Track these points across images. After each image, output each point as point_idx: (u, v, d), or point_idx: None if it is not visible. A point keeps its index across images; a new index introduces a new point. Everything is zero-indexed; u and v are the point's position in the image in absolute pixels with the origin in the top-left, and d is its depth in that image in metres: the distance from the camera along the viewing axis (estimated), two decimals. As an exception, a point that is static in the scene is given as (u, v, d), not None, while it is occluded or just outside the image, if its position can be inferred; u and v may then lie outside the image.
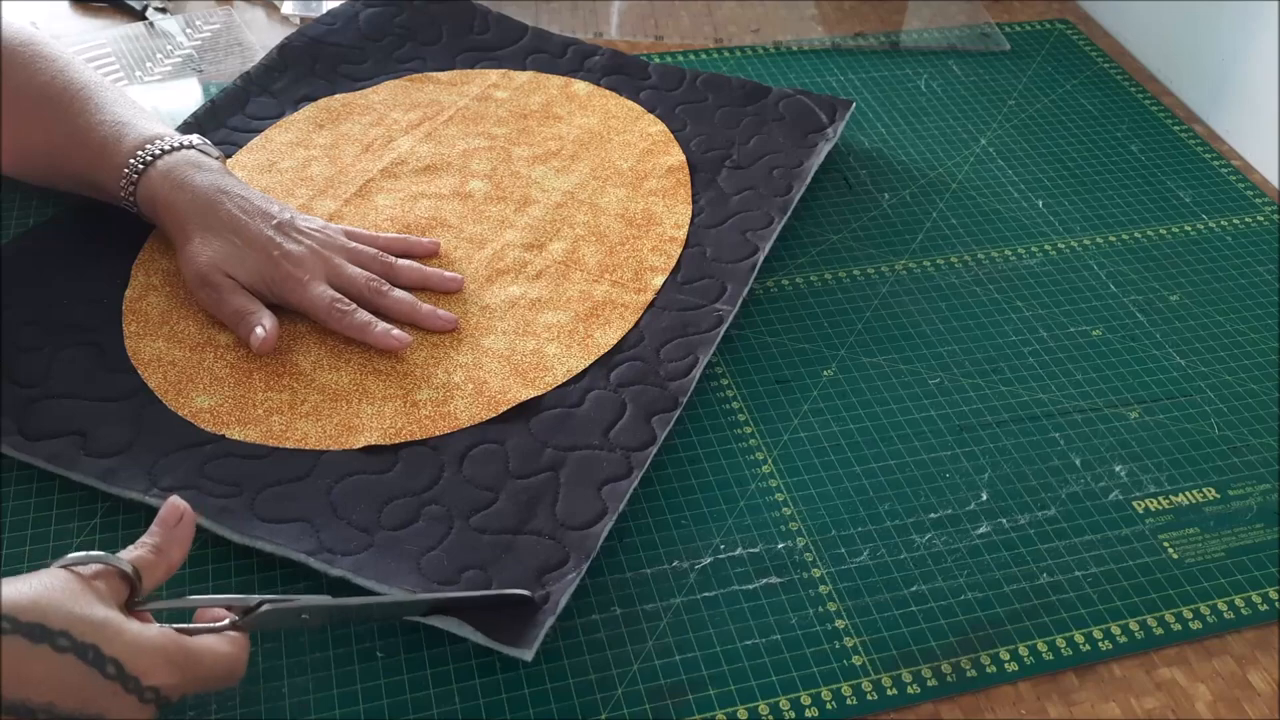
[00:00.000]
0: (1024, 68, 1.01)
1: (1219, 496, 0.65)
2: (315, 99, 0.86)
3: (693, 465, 0.64)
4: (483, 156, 0.82)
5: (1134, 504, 0.64)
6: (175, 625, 0.49)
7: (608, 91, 0.89)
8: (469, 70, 0.91)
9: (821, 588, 0.59)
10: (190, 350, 0.66)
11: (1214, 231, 0.84)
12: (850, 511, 0.63)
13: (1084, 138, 0.93)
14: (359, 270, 0.69)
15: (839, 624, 0.57)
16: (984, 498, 0.64)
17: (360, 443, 0.62)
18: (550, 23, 1.00)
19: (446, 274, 0.72)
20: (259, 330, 0.65)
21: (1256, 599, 0.60)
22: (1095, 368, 0.72)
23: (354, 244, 0.71)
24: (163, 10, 0.97)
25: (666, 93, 0.90)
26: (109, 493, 0.59)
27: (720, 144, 0.85)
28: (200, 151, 0.70)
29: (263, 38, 0.95)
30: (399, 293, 0.69)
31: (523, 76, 0.90)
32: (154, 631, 0.46)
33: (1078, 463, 0.66)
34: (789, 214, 0.79)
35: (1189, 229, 0.85)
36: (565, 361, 0.67)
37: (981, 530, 0.62)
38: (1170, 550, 0.62)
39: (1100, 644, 0.58)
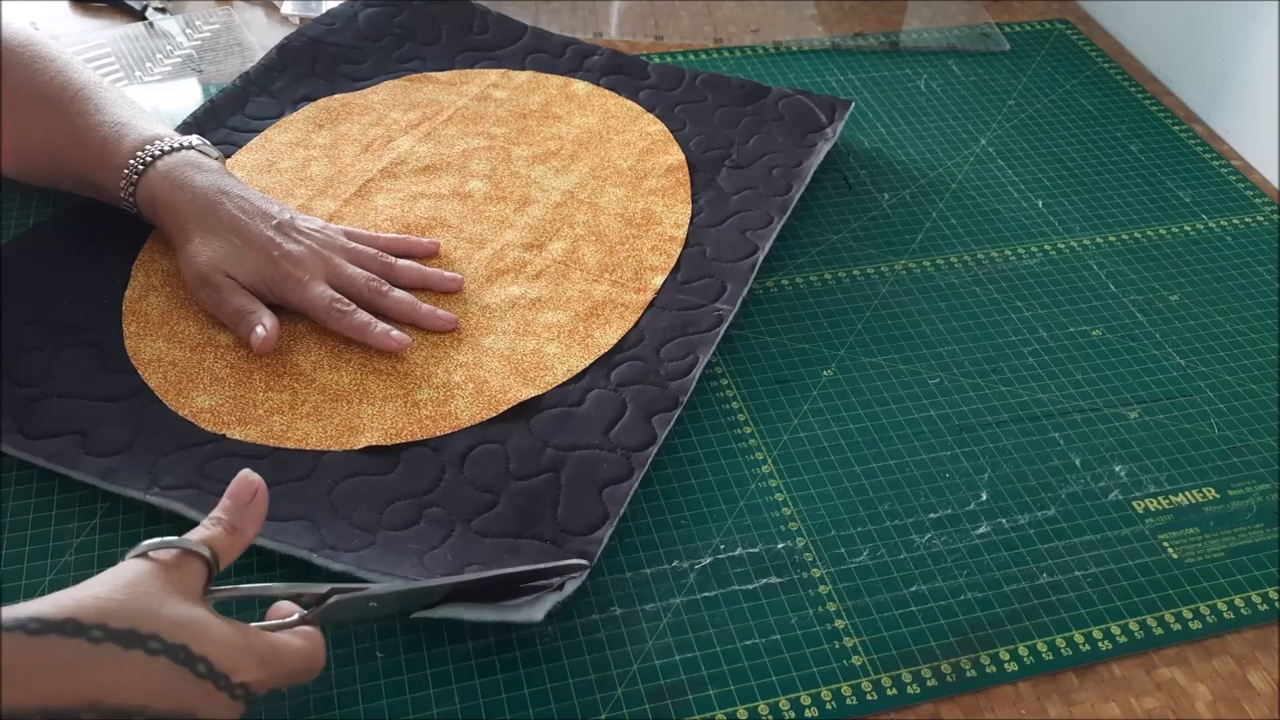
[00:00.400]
0: (1024, 68, 1.01)
1: (1219, 496, 0.65)
2: (315, 99, 0.86)
3: (693, 465, 0.64)
4: (482, 156, 0.82)
5: (1134, 504, 0.64)
6: (254, 624, 0.48)
7: (607, 91, 0.89)
8: (468, 70, 0.91)
9: (821, 588, 0.59)
10: (190, 350, 0.66)
11: (1214, 231, 0.84)
12: (850, 511, 0.63)
13: (1084, 138, 0.93)
14: (359, 270, 0.69)
15: (839, 624, 0.57)
16: (984, 498, 0.64)
17: (361, 443, 0.62)
18: (550, 23, 1.00)
19: (446, 274, 0.72)
20: (259, 330, 0.65)
21: (1256, 599, 0.60)
22: (1095, 368, 0.72)
23: (354, 244, 0.71)
24: (162, 10, 0.97)
25: (666, 92, 0.90)
26: (109, 492, 0.59)
27: (720, 144, 0.85)
28: (200, 152, 0.70)
29: (262, 38, 0.95)
30: (399, 293, 0.69)
31: (522, 76, 0.90)
32: (239, 628, 0.46)
33: (1078, 463, 0.66)
34: (789, 214, 0.79)
35: (1189, 229, 0.85)
36: (565, 361, 0.67)
37: (981, 530, 0.62)
38: (1170, 550, 0.62)
39: (1100, 644, 0.58)
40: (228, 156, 0.79)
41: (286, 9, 0.99)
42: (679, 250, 0.76)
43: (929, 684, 0.55)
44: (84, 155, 0.70)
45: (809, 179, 0.83)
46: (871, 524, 0.62)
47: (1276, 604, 0.60)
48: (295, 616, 0.49)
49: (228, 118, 0.83)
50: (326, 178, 0.79)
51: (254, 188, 0.71)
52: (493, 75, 0.90)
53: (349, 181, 0.79)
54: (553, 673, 0.54)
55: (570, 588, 0.55)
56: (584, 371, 0.67)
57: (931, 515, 0.63)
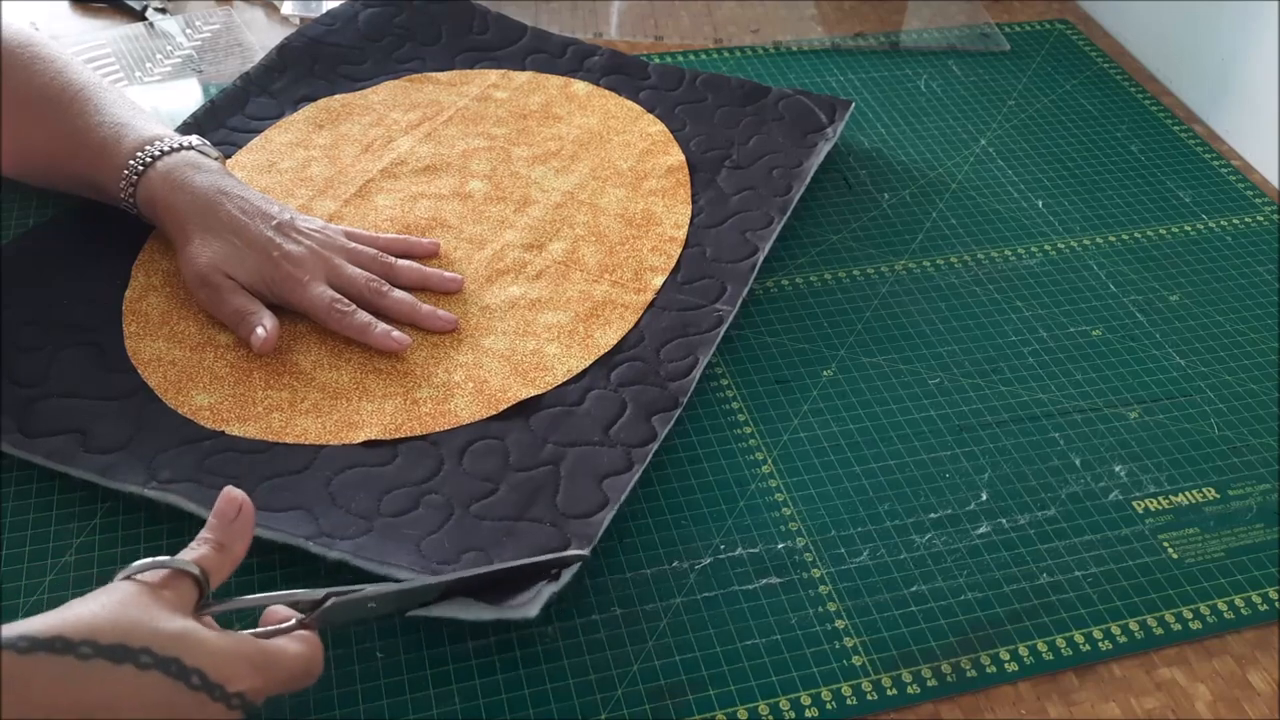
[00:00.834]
0: (1024, 68, 1.01)
1: (1219, 496, 0.65)
2: (315, 99, 0.86)
3: (693, 465, 0.64)
4: (482, 157, 0.82)
5: (1134, 504, 0.64)
6: (248, 631, 0.48)
7: (607, 92, 0.89)
8: (468, 70, 0.91)
9: (821, 588, 0.59)
10: (190, 350, 0.66)
11: (1214, 231, 0.84)
12: (850, 511, 0.63)
13: (1084, 138, 0.93)
14: (359, 271, 0.69)
15: (839, 624, 0.57)
16: (984, 498, 0.64)
17: (360, 438, 0.62)
18: (550, 23, 1.00)
19: (446, 274, 0.72)
20: (259, 330, 0.65)
21: (1256, 599, 0.60)
22: (1095, 368, 0.72)
23: (354, 244, 0.71)
24: (162, 10, 0.97)
25: (666, 93, 0.90)
26: (108, 488, 0.59)
27: (720, 144, 0.85)
28: (199, 152, 0.70)
29: (262, 38, 0.95)
30: (399, 293, 0.69)
31: (522, 77, 0.90)
32: (232, 637, 0.46)
33: (1078, 463, 0.66)
34: (789, 214, 0.79)
35: (1189, 229, 0.85)
36: (565, 361, 0.68)
37: (981, 530, 0.62)
38: (1170, 550, 0.62)
39: (1100, 644, 0.58)
40: (228, 157, 0.79)
41: (286, 9, 0.99)
42: (679, 251, 0.76)
43: (929, 684, 0.55)
44: (84, 156, 0.70)
45: (809, 179, 0.83)
46: (871, 524, 0.62)
47: (1276, 604, 0.60)
48: (292, 621, 0.49)
49: (228, 118, 0.83)
50: (326, 178, 0.79)
51: (254, 188, 0.71)
52: (493, 75, 0.90)
53: (349, 182, 0.79)
54: (553, 673, 0.54)
55: (566, 577, 0.55)
56: (584, 372, 0.67)
57: (931, 515, 0.63)
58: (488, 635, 0.55)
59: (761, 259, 0.75)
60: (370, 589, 0.51)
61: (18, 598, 0.55)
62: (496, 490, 0.60)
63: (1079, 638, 0.58)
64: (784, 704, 0.54)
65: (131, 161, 0.68)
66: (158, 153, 0.69)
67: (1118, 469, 0.66)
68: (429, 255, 0.74)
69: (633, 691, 0.54)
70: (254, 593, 0.55)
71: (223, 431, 0.62)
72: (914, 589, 0.59)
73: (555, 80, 0.90)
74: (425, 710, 0.53)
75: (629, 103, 0.88)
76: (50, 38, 0.74)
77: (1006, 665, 0.56)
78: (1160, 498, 0.65)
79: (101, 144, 0.69)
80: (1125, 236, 0.83)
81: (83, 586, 0.56)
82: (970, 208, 0.85)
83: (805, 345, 0.72)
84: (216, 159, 0.71)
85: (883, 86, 0.97)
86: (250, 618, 0.52)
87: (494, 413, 0.64)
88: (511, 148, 0.83)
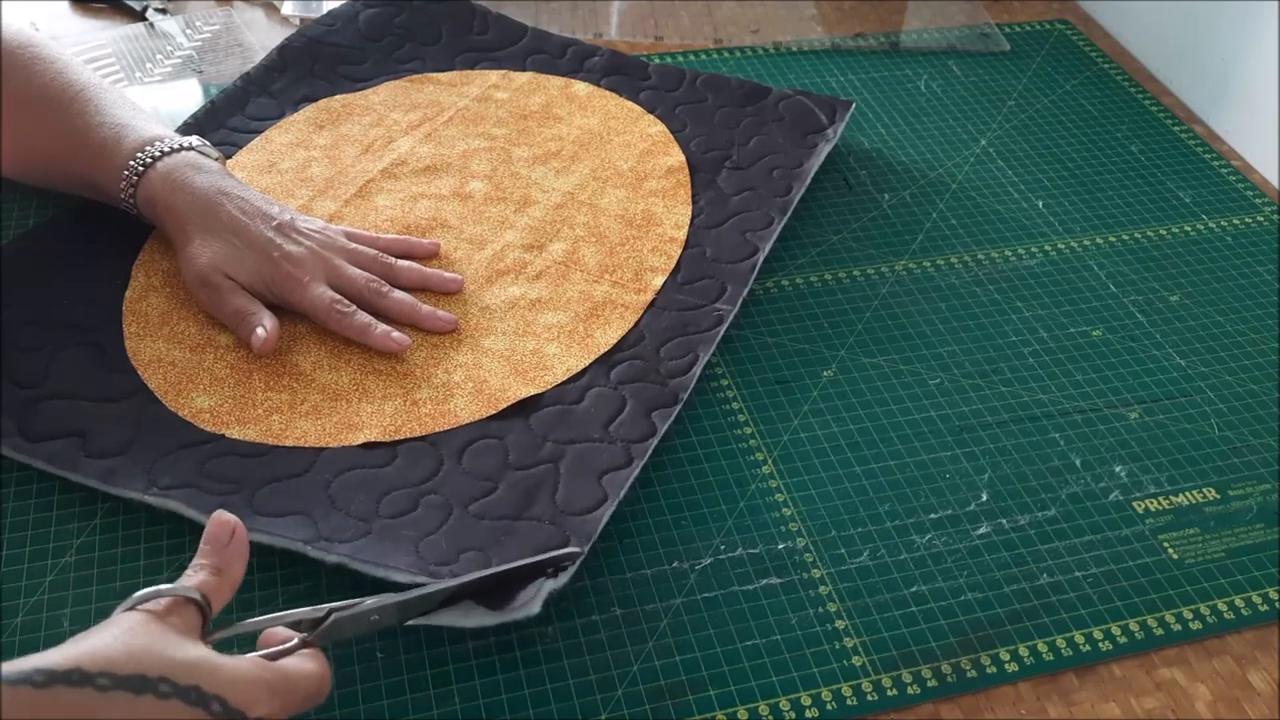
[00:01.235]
0: (1024, 68, 1.01)
1: (1219, 496, 0.65)
2: (315, 100, 0.86)
3: (693, 465, 0.64)
4: (483, 157, 0.82)
5: (1134, 504, 0.64)
6: (254, 654, 0.48)
7: (607, 92, 0.89)
8: (469, 71, 0.91)
9: (821, 588, 0.59)
10: (190, 351, 0.66)
11: (1214, 231, 0.84)
12: (850, 512, 0.63)
13: (1084, 138, 0.93)
14: (359, 271, 0.69)
15: (839, 624, 0.57)
16: (984, 498, 0.64)
17: (359, 439, 0.62)
18: (550, 23, 1.00)
19: (446, 275, 0.72)
20: (260, 331, 0.65)
21: (1256, 599, 0.60)
22: (1095, 368, 0.72)
23: (354, 245, 0.71)
24: (163, 11, 0.97)
25: (666, 93, 0.90)
26: (109, 493, 0.59)
27: (720, 144, 0.85)
28: (200, 153, 0.70)
29: (263, 38, 0.95)
30: (399, 294, 0.69)
31: (522, 77, 0.90)
32: (248, 661, 0.46)
33: (1078, 463, 0.66)
34: (789, 214, 0.79)
35: (1189, 229, 0.85)
36: (565, 361, 0.68)
37: (981, 531, 0.62)
38: (1170, 550, 0.62)
39: (1100, 644, 0.58)
40: (228, 157, 0.79)
41: (287, 9, 0.99)
42: (679, 251, 0.76)
43: (929, 684, 0.55)
44: (84, 156, 0.70)
45: (809, 179, 0.83)
46: (872, 524, 0.62)
47: (1276, 604, 0.60)
48: (295, 641, 0.49)
49: (228, 118, 0.83)
50: (327, 178, 0.79)
51: (254, 188, 0.71)
52: (493, 76, 0.90)
53: (349, 182, 0.79)
54: (553, 673, 0.54)
55: (566, 576, 0.55)
56: (584, 371, 0.67)
57: (932, 516, 0.63)
58: (488, 635, 0.55)
59: (762, 259, 0.75)
60: (371, 601, 0.50)
61: (18, 598, 0.56)
62: (495, 489, 0.60)
63: (1079, 638, 0.58)
64: (784, 704, 0.54)
65: (132, 162, 0.68)
66: (158, 153, 0.69)
67: (1118, 469, 0.66)
68: (429, 256, 0.74)
69: (633, 691, 0.54)
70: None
71: (223, 435, 0.62)
72: (914, 589, 0.59)
73: (556, 81, 0.90)
74: (425, 710, 0.53)
75: (629, 103, 0.88)
76: (50, 38, 0.74)
77: (1006, 665, 0.56)
78: (1160, 498, 0.65)
79: (101, 144, 0.69)
80: (1125, 237, 0.83)
81: (83, 587, 0.56)
82: (970, 208, 0.85)
83: (805, 345, 0.72)
84: (217, 159, 0.71)
85: (883, 87, 0.97)
86: (251, 643, 0.51)
87: (493, 412, 0.64)
88: (512, 148, 0.83)
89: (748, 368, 0.70)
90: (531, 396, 0.65)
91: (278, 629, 0.49)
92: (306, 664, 0.48)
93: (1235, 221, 0.86)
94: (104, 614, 0.54)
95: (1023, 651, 0.57)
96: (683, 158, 0.83)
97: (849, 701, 0.54)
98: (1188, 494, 0.65)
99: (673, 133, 0.86)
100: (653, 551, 0.60)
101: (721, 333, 0.70)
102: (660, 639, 0.56)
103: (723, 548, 0.60)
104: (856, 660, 0.56)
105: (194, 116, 0.82)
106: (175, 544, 0.58)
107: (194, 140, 0.71)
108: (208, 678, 0.43)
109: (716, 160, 0.84)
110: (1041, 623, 0.58)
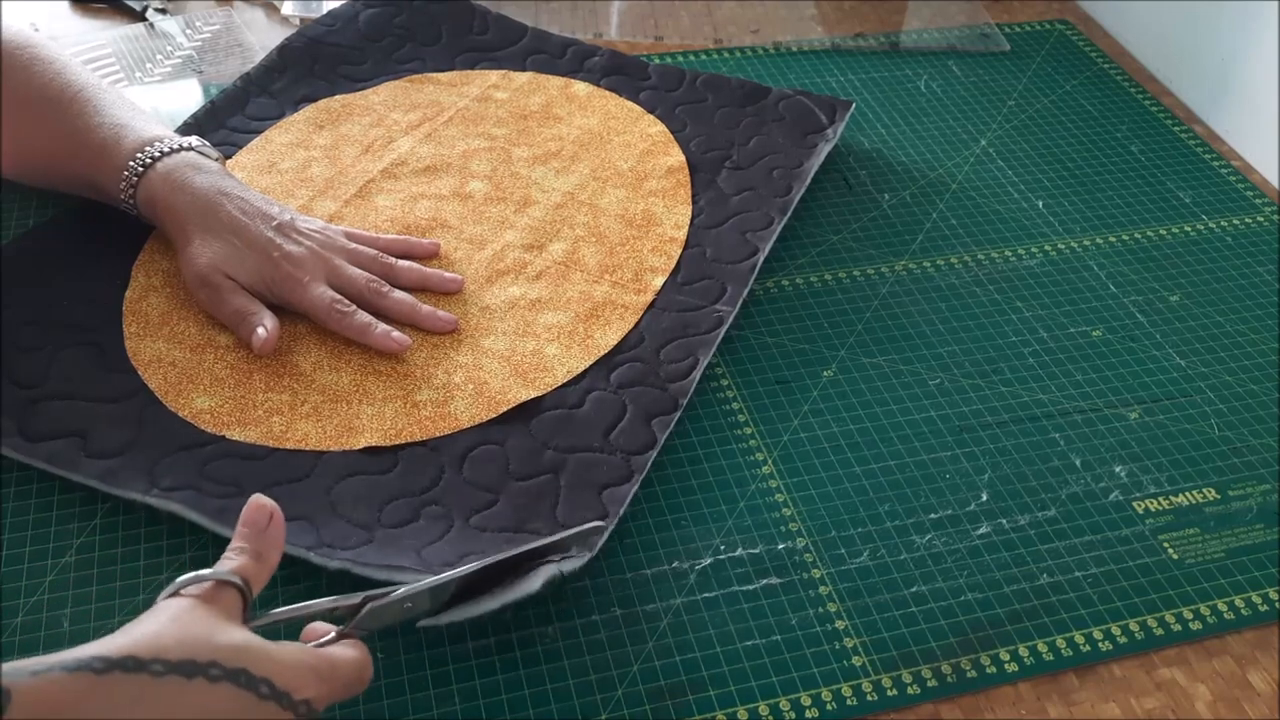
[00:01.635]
0: (1024, 68, 1.01)
1: (1219, 497, 0.65)
2: (315, 100, 0.86)
3: (693, 465, 0.64)
4: (483, 157, 0.82)
5: (1134, 504, 0.64)
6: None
7: (607, 92, 0.89)
8: (469, 71, 0.91)
9: (821, 588, 0.59)
10: (190, 351, 0.66)
11: (1214, 231, 0.84)
12: (850, 512, 0.63)
13: (1084, 138, 0.93)
14: (359, 271, 0.69)
15: (839, 624, 0.57)
16: (984, 498, 0.64)
17: (360, 443, 0.62)
18: (550, 23, 1.00)
19: (446, 275, 0.72)
20: (260, 331, 0.65)
21: (1256, 599, 0.60)
22: (1095, 368, 0.72)
23: (354, 245, 0.71)
24: (163, 11, 0.97)
25: (666, 93, 0.90)
26: (109, 493, 0.59)
27: (720, 144, 0.85)
28: (199, 153, 0.70)
29: (263, 38, 0.95)
30: (399, 294, 0.69)
31: (522, 77, 0.90)
32: (293, 646, 0.46)
33: (1078, 463, 0.66)
34: (789, 214, 0.79)
35: (1189, 229, 0.85)
36: (565, 362, 0.67)
37: (981, 531, 0.62)
38: (1170, 550, 0.62)
39: (1100, 644, 0.58)
40: (228, 157, 0.79)
41: (287, 9, 0.99)
42: (679, 251, 0.76)
43: (929, 684, 0.55)
44: (84, 156, 0.70)
45: (809, 180, 0.83)
46: (872, 524, 0.62)
47: (1276, 604, 0.60)
48: (333, 633, 0.49)
49: (228, 118, 0.83)
50: (327, 178, 0.79)
51: (254, 188, 0.71)
52: (493, 76, 0.90)
53: (349, 182, 0.79)
54: (553, 673, 0.54)
55: (579, 561, 0.54)
56: (584, 373, 0.67)
57: (932, 516, 0.63)
58: (488, 635, 0.55)
59: (762, 259, 0.75)
60: (405, 589, 0.51)
61: (18, 598, 0.56)
62: (496, 501, 0.60)
63: (1079, 638, 0.58)
64: (784, 704, 0.54)
65: (131, 162, 0.68)
66: (158, 153, 0.69)
67: (1118, 469, 0.66)
68: (429, 256, 0.74)
69: (633, 691, 0.54)
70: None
71: (223, 436, 0.62)
72: (914, 589, 0.59)
73: (555, 81, 0.90)
74: (425, 710, 0.53)
75: (629, 103, 0.88)
76: (50, 38, 0.75)
77: (1006, 665, 0.56)
78: (1160, 498, 0.65)
79: (101, 145, 0.69)
80: (1125, 237, 0.83)
81: (83, 587, 0.56)
82: (970, 208, 0.85)
83: (805, 345, 0.72)
84: (216, 160, 0.71)
85: (883, 87, 0.97)
86: (291, 632, 0.51)
87: (494, 415, 0.64)
88: (512, 148, 0.83)
89: (748, 368, 0.70)
90: (532, 400, 0.65)
91: (317, 624, 0.50)
92: (351, 651, 0.48)
93: (1235, 221, 0.86)
94: (104, 614, 0.55)
95: (1023, 651, 0.57)
96: (683, 158, 0.83)
97: (849, 701, 0.54)
98: (1188, 494, 0.65)
99: (673, 133, 0.86)
100: (653, 551, 0.60)
101: (721, 334, 0.70)
102: (660, 639, 0.56)
103: (723, 548, 0.60)
104: (856, 660, 0.56)
105: (194, 116, 0.82)
106: (175, 544, 0.58)
107: (194, 140, 0.71)
108: (255, 661, 0.43)
109: (716, 160, 0.84)
110: (1041, 623, 0.58)
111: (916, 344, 0.73)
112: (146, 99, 0.88)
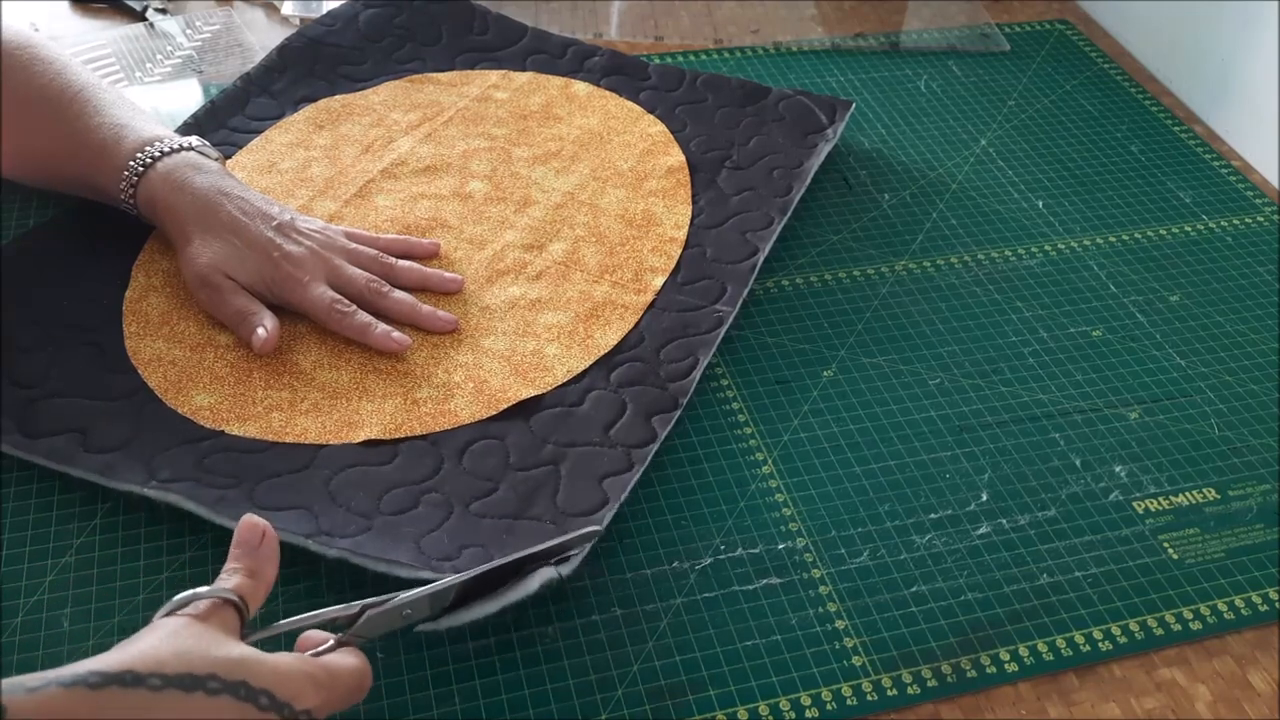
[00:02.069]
0: (1024, 68, 1.01)
1: (1219, 497, 0.65)
2: (315, 100, 0.86)
3: (693, 465, 0.64)
4: (483, 157, 0.82)
5: (1134, 504, 0.64)
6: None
7: (607, 92, 0.89)
8: (469, 71, 0.91)
9: (821, 588, 0.59)
10: (190, 350, 0.66)
11: (1214, 231, 0.84)
12: (850, 512, 0.63)
13: (1084, 138, 0.93)
14: (359, 271, 0.69)
15: (839, 624, 0.57)
16: (984, 498, 0.64)
17: (360, 437, 0.62)
18: (550, 23, 1.00)
19: (446, 275, 0.72)
20: (260, 331, 0.65)
21: (1256, 599, 0.60)
22: (1095, 368, 0.72)
23: (354, 245, 0.71)
24: (163, 11, 0.97)
25: (666, 93, 0.90)
26: (108, 488, 0.59)
27: (720, 144, 0.85)
28: (199, 153, 0.70)
29: (263, 38, 0.95)
30: (399, 294, 0.69)
31: (522, 77, 0.90)
32: (292, 657, 0.46)
33: (1078, 463, 0.66)
34: (789, 214, 0.79)
35: (1189, 229, 0.85)
36: (565, 362, 0.68)
37: (981, 531, 0.62)
38: (1170, 550, 0.62)
39: (1100, 644, 0.58)
40: (228, 157, 0.79)
41: (287, 10, 0.99)
42: (679, 251, 0.76)
43: (929, 684, 0.55)
44: (84, 157, 0.70)
45: (809, 180, 0.83)
46: (872, 524, 0.62)
47: (1276, 604, 0.60)
48: (331, 641, 0.49)
49: (228, 118, 0.83)
50: (327, 178, 0.79)
51: (254, 188, 0.71)
52: (493, 76, 0.90)
53: (349, 182, 0.79)
54: (553, 673, 0.54)
55: (573, 564, 0.54)
56: (584, 372, 0.67)
57: (932, 516, 0.63)
58: (488, 635, 0.55)
59: (762, 259, 0.75)
60: (403, 596, 0.51)
61: (18, 598, 0.56)
62: (496, 489, 0.60)
63: (1079, 638, 0.58)
64: (784, 704, 0.54)
65: (131, 163, 0.68)
66: (158, 154, 0.69)
67: (1118, 469, 0.66)
68: (429, 256, 0.74)
69: (633, 691, 0.54)
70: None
71: (222, 431, 0.62)
72: (914, 589, 0.59)
73: (556, 81, 0.90)
74: (425, 710, 0.53)
75: (629, 103, 0.88)
76: (50, 38, 0.75)
77: (1006, 665, 0.56)
78: (1160, 498, 0.65)
79: (101, 145, 0.69)
80: (1125, 236, 0.83)
81: (83, 587, 0.56)
82: (970, 208, 0.85)
83: (805, 345, 0.72)
84: (216, 160, 0.71)
85: (883, 87, 0.97)
86: (286, 643, 0.51)
87: (494, 413, 0.64)
88: (512, 148, 0.83)
89: (748, 368, 0.70)
90: (532, 398, 0.65)
91: (312, 633, 0.50)
92: (350, 659, 0.48)
93: (1235, 221, 0.86)
94: (104, 614, 0.55)
95: (1023, 651, 0.57)
96: (683, 158, 0.83)
97: (849, 701, 0.54)
98: (1188, 494, 0.65)
99: (673, 133, 0.86)
100: (653, 551, 0.60)
101: (722, 334, 0.70)
102: (660, 639, 0.56)
103: (723, 548, 0.60)
104: (856, 660, 0.56)
105: (194, 116, 0.82)
106: (175, 544, 0.58)
107: (194, 140, 0.71)
108: (254, 673, 0.43)
109: (716, 160, 0.84)
110: (1041, 623, 0.58)
111: (916, 344, 0.73)
112: (146, 99, 0.88)
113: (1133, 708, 0.56)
